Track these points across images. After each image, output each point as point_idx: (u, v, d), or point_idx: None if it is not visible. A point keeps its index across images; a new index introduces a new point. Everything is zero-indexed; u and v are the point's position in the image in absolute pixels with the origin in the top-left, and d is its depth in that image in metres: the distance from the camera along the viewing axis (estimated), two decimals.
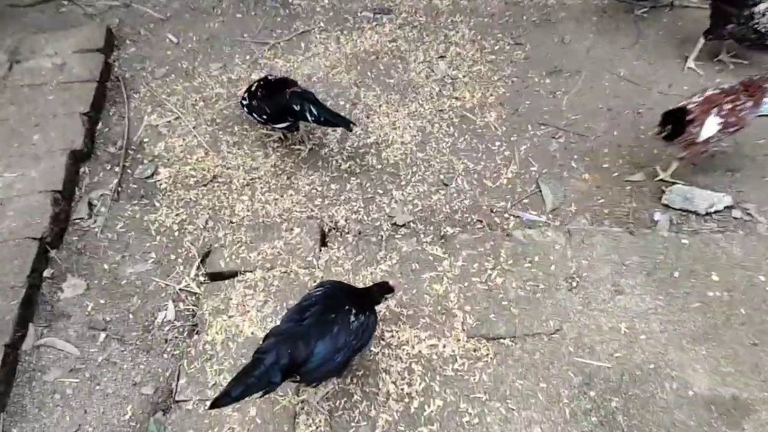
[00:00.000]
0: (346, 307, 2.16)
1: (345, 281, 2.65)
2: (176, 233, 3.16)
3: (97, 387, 2.70)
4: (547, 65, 3.75)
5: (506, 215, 3.12)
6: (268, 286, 2.78)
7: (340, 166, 3.35)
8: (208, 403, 1.93)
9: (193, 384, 2.53)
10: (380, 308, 2.55)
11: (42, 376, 2.74)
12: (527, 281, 2.67)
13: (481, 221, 3.10)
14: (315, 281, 2.79)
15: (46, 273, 3.03)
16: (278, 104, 3.08)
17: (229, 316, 2.70)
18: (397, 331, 2.58)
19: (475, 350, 2.49)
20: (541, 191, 3.18)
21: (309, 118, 3.03)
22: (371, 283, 2.49)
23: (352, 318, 2.16)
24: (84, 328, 2.87)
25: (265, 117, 3.18)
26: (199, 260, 3.03)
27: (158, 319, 2.89)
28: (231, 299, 2.76)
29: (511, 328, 2.54)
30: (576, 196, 3.15)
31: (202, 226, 3.17)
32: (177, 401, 2.51)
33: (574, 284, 2.65)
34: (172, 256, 3.08)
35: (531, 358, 2.46)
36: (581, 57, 3.77)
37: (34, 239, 3.04)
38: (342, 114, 3.15)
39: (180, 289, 2.96)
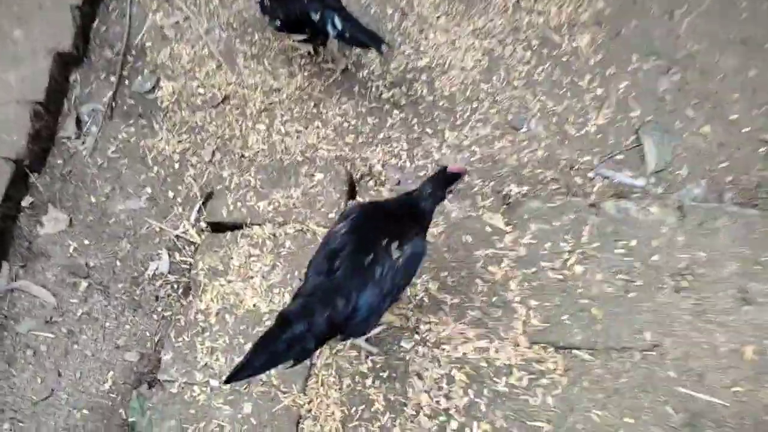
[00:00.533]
0: (385, 241, 1.61)
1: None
2: (177, 165, 2.59)
3: (75, 346, 2.27)
4: None
5: (591, 175, 2.40)
6: (277, 247, 2.21)
7: (381, 94, 2.64)
8: (224, 377, 1.47)
9: (179, 362, 2.05)
10: (419, 288, 1.95)
11: (14, 326, 2.33)
12: (618, 273, 2.00)
13: (557, 181, 2.39)
14: None
15: (25, 202, 2.54)
16: (293, 8, 2.34)
17: (228, 281, 2.17)
18: (436, 324, 2.00)
19: (538, 362, 1.90)
20: (642, 145, 2.41)
21: (330, 32, 2.29)
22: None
23: (395, 252, 1.61)
24: (64, 273, 2.40)
25: (279, 23, 2.45)
26: (201, 202, 2.47)
27: (149, 271, 2.39)
28: (232, 259, 2.21)
29: (590, 336, 1.91)
30: (690, 155, 2.38)
31: (207, 159, 2.58)
32: (160, 381, 2.05)
33: (684, 284, 1.96)
34: (170, 194, 2.53)
35: (616, 380, 1.85)
36: None
37: (10, 160, 2.52)
38: (376, 32, 2.36)
39: (177, 236, 2.43)
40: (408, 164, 2.48)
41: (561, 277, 2.02)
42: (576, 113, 2.52)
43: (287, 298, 2.10)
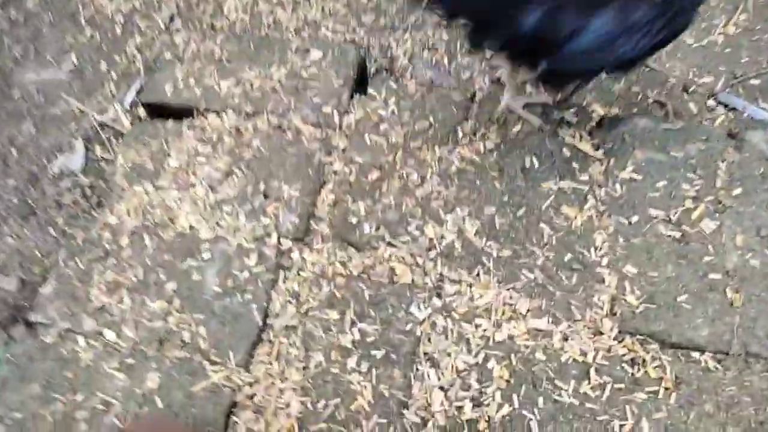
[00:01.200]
0: None
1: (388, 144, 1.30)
2: (118, 29, 1.83)
3: None
4: None
5: (712, 103, 1.62)
6: (240, 146, 1.46)
7: None
8: None
9: (64, 298, 1.32)
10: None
11: None
12: (765, 236, 1.25)
13: (662, 105, 1.62)
14: (330, 153, 1.45)
15: None
16: None
17: (157, 188, 1.43)
18: (470, 286, 1.25)
19: (632, 362, 1.15)
20: None
21: None
22: None
23: None
24: None
25: None
26: (144, 81, 1.71)
27: (55, 166, 1.65)
28: (169, 156, 1.47)
29: (721, 331, 1.16)
30: None
31: (163, 26, 1.82)
32: (32, 323, 1.32)
33: None
34: (103, 66, 1.78)
35: (760, 407, 1.10)
36: None
37: None
38: None
39: (102, 124, 1.68)
40: (446, 61, 1.72)
41: (679, 234, 1.26)
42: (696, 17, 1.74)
43: (242, 221, 1.36)
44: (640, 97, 1.63)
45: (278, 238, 1.34)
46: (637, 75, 1.66)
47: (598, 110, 1.58)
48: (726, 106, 1.62)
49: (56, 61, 1.80)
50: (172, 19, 1.83)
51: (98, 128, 1.68)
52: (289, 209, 1.37)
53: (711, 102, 1.63)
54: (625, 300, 1.21)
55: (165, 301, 1.28)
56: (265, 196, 1.39)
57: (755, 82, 1.65)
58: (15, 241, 1.57)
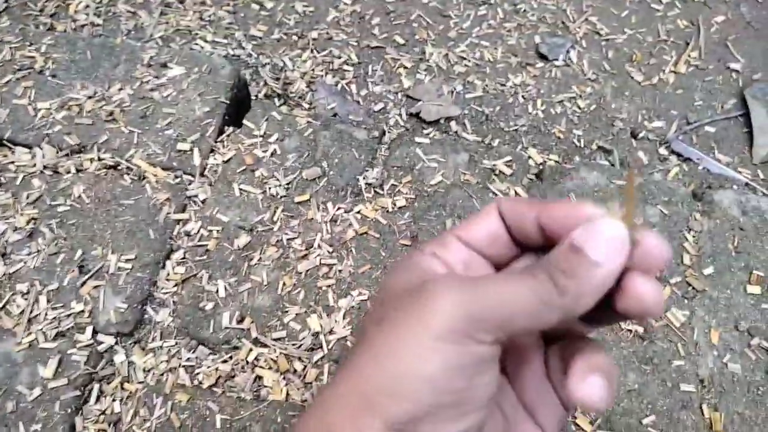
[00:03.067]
0: None
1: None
2: None
3: None
4: None
5: (664, 151, 1.38)
6: (52, 194, 1.04)
7: None
8: None
9: None
10: None
11: None
12: (745, 329, 0.97)
13: (608, 153, 1.35)
14: (183, 209, 1.05)
15: None
16: None
17: None
18: None
19: None
20: (747, 116, 1.43)
21: None
22: None
23: None
24: None
25: None
26: None
27: None
28: None
29: None
30: None
31: None
32: None
33: None
34: None
35: None
36: None
37: None
38: None
39: None
40: (354, 89, 1.37)
41: (641, 330, 0.95)
42: (645, 50, 1.50)
43: (42, 306, 0.93)
44: (582, 142, 1.36)
45: (94, 333, 0.92)
46: (579, 117, 1.39)
47: (535, 157, 1.29)
48: (680, 155, 1.38)
49: None
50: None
51: None
52: (114, 290, 0.96)
53: (663, 150, 1.39)
54: (577, 425, 0.89)
55: None
56: (81, 270, 0.97)
57: (710, 129, 1.42)
58: None
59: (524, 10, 1.54)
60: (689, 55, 1.51)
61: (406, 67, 1.42)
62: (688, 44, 1.53)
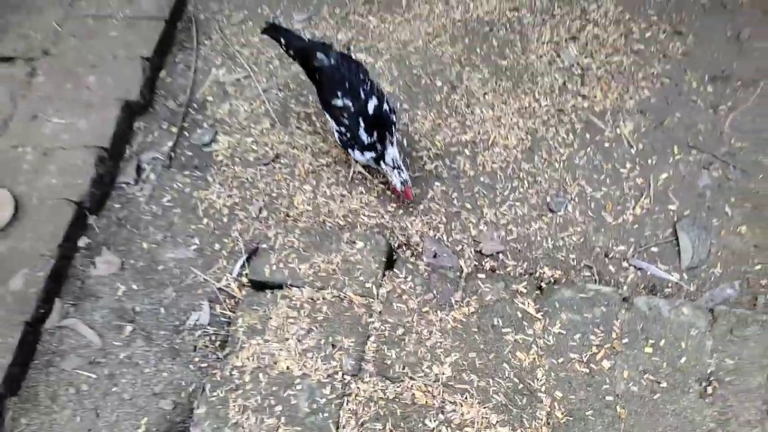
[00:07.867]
0: None
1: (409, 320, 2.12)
2: (225, 218, 2.73)
3: (114, 388, 2.39)
4: (711, 67, 2.86)
5: (626, 264, 2.43)
6: (314, 311, 2.30)
7: (424, 165, 2.75)
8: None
9: (211, 417, 2.14)
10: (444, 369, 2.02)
11: (60, 362, 2.46)
12: (645, 373, 2.02)
13: (590, 268, 2.43)
14: (371, 316, 2.27)
15: (81, 242, 2.71)
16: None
17: (265, 340, 2.27)
18: (461, 405, 2.05)
19: None
20: (678, 240, 2.44)
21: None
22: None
23: None
24: (111, 315, 2.54)
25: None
26: (245, 258, 2.59)
27: (190, 320, 2.51)
28: (270, 319, 2.31)
29: None
30: (725, 254, 2.40)
31: (254, 215, 2.71)
32: None
33: (710, 390, 1.97)
34: (217, 246, 2.66)
35: None
36: (762, 62, 2.85)
37: (72, 202, 2.71)
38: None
39: (219, 289, 2.55)
40: (445, 237, 2.57)
41: (588, 371, 2.05)
42: (615, 201, 2.57)
43: (319, 364, 2.18)
44: (575, 261, 2.45)
45: (342, 375, 2.15)
46: (573, 247, 2.48)
47: (547, 272, 2.40)
48: (636, 267, 2.43)
49: (185, 243, 2.70)
50: (260, 210, 2.73)
51: (217, 292, 2.55)
52: (348, 355, 2.19)
53: (625, 264, 2.44)
54: (556, 416, 1.99)
55: (275, 418, 2.10)
56: (333, 346, 2.21)
57: (655, 249, 2.46)
58: (168, 375, 2.42)
59: (539, 181, 2.66)
60: (643, 202, 2.55)
61: (472, 222, 2.59)
62: (641, 194, 2.57)
